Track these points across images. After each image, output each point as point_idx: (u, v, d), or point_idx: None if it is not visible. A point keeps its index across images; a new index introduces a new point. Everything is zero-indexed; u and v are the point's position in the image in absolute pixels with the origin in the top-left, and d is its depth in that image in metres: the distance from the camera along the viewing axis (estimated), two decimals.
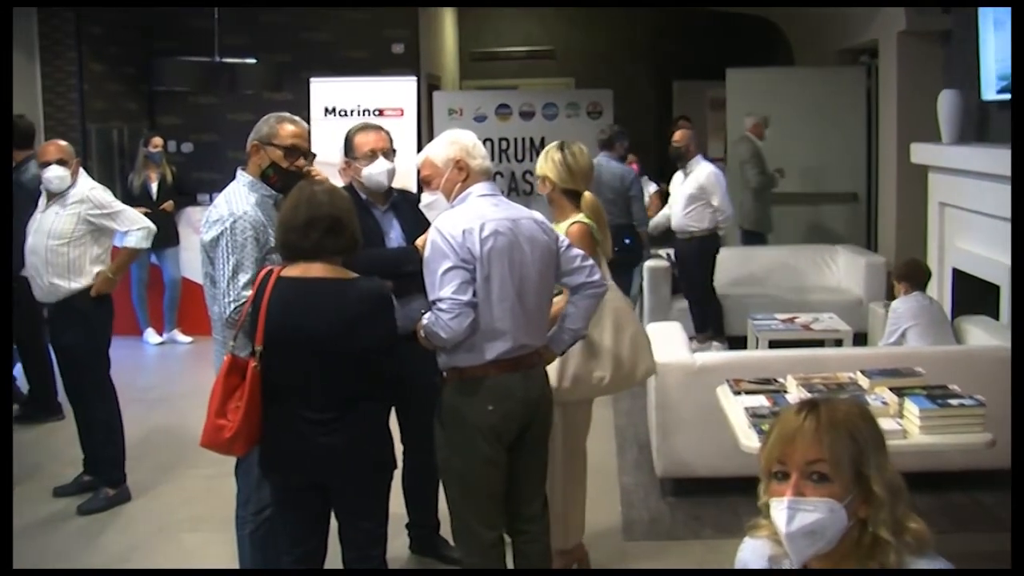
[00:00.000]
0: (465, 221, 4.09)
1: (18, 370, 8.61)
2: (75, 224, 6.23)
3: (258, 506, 4.51)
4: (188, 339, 10.75)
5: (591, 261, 4.38)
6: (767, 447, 2.37)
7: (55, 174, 6.25)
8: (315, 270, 3.90)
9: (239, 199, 4.44)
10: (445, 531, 5.18)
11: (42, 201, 6.40)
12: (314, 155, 4.75)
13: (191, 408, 8.05)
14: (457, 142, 4.33)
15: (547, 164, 4.99)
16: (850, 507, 2.28)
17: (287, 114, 4.69)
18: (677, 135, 9.57)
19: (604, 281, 4.45)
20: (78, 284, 6.25)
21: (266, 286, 3.92)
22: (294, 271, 3.92)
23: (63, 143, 6.46)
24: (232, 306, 4.23)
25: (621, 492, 6.39)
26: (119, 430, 6.52)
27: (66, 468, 6.82)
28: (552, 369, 4.71)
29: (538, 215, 4.32)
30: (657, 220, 9.80)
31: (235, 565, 4.87)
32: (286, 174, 4.55)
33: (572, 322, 4.37)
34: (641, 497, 6.30)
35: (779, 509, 2.29)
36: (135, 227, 6.40)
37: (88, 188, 6.37)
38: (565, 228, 4.81)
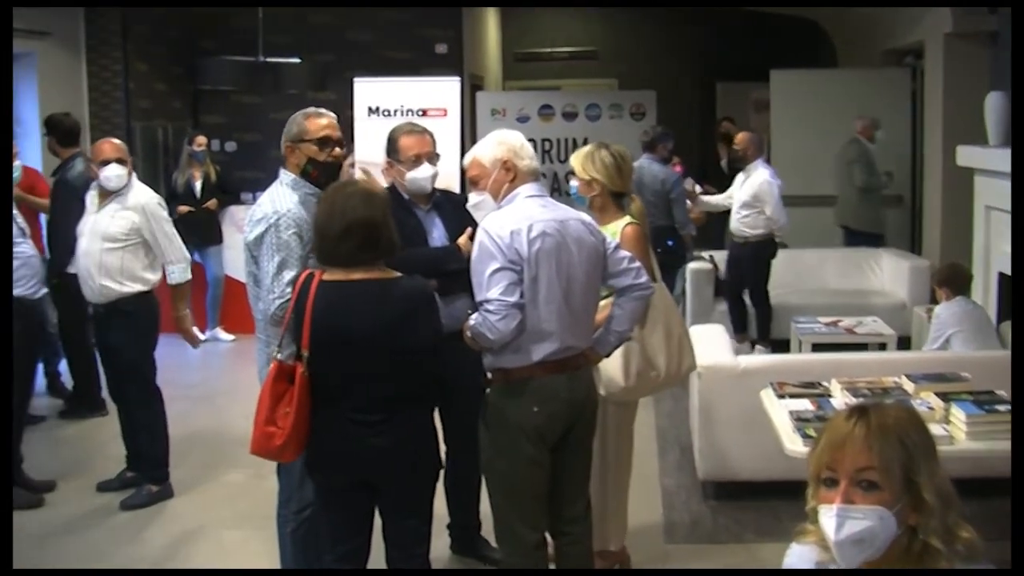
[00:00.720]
0: (513, 222, 4.08)
1: (63, 366, 8.70)
2: (129, 229, 6.28)
3: (300, 505, 4.52)
4: (230, 337, 10.82)
5: (638, 263, 4.35)
6: (816, 452, 2.35)
7: (114, 172, 6.29)
8: (357, 273, 3.90)
9: (282, 198, 4.45)
10: (486, 531, 5.19)
11: (92, 201, 6.45)
12: (348, 145, 4.73)
13: (233, 406, 8.17)
14: (504, 143, 4.32)
15: (596, 166, 4.92)
16: (900, 515, 2.25)
17: (311, 108, 4.69)
18: (738, 138, 9.55)
19: (650, 283, 4.42)
20: (130, 288, 6.30)
21: (308, 289, 3.91)
22: (336, 274, 3.91)
23: (118, 142, 6.51)
24: (277, 303, 4.24)
25: (663, 494, 6.37)
26: (163, 430, 6.57)
27: (110, 464, 6.87)
28: (616, 368, 4.72)
29: (585, 216, 4.31)
30: (719, 199, 9.74)
31: (276, 563, 4.88)
32: (325, 166, 4.58)
33: (618, 324, 4.35)
34: (683, 500, 6.28)
35: (828, 516, 2.27)
36: (176, 262, 6.45)
37: (147, 198, 6.43)
38: (619, 229, 4.78)
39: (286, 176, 4.56)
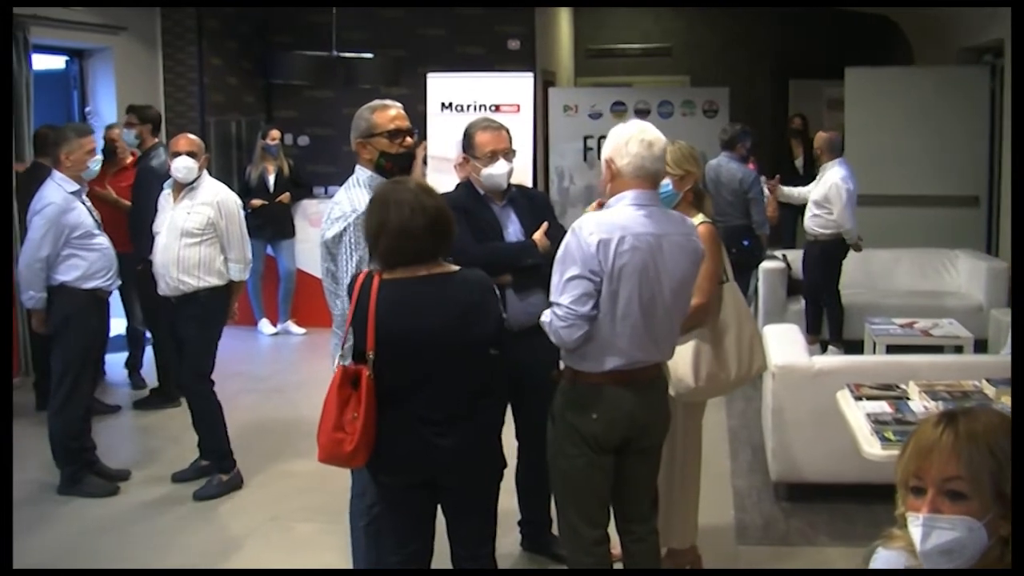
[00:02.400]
0: (604, 231, 3.94)
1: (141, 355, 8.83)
2: (205, 224, 6.38)
3: (373, 499, 4.50)
4: (302, 330, 10.90)
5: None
6: (903, 459, 2.29)
7: (184, 164, 6.40)
8: (421, 269, 3.86)
9: (359, 195, 4.42)
10: (556, 528, 5.18)
11: (167, 197, 6.56)
12: (419, 133, 4.71)
13: (304, 398, 8.22)
14: (615, 140, 4.12)
15: (690, 159, 4.83)
16: (990, 525, 2.17)
17: (377, 101, 4.66)
18: (816, 137, 9.48)
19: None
20: (207, 282, 6.40)
21: (369, 290, 3.84)
22: (397, 273, 3.86)
23: (194, 137, 6.63)
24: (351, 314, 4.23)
25: (734, 495, 6.33)
26: (220, 420, 6.64)
27: (185, 453, 6.94)
28: (687, 369, 4.69)
29: (692, 228, 4.22)
30: (801, 191, 9.65)
31: (347, 557, 4.90)
32: (398, 157, 4.56)
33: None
34: (754, 501, 6.23)
35: (915, 525, 2.21)
36: (237, 261, 6.56)
37: (225, 195, 6.56)
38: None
39: (362, 173, 4.53)
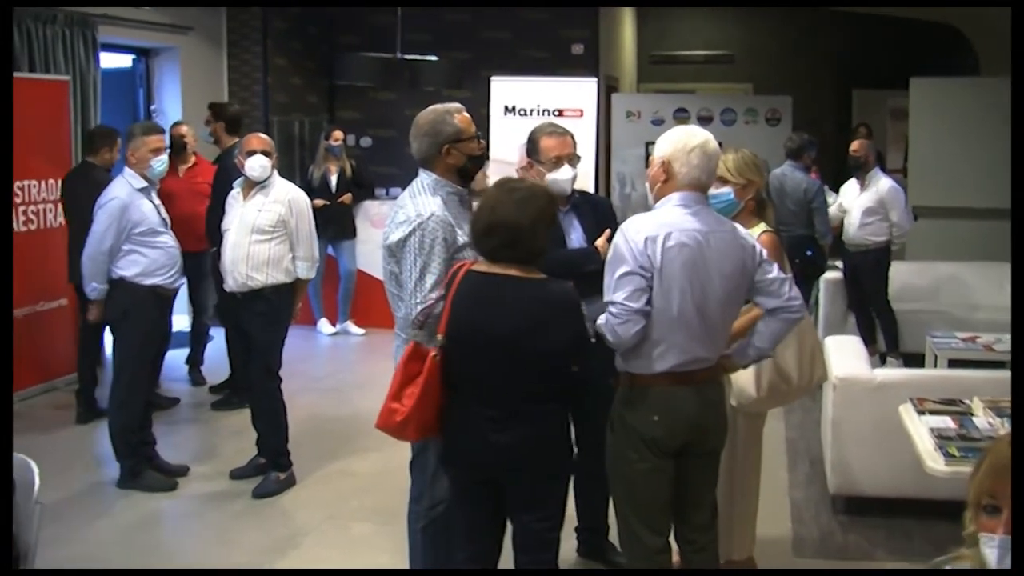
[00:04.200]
0: (651, 228, 3.99)
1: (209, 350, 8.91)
2: (276, 221, 6.44)
3: (431, 502, 4.52)
4: (361, 331, 10.96)
5: (789, 284, 4.20)
6: (977, 477, 2.25)
7: (258, 163, 6.46)
8: (500, 266, 3.91)
9: (425, 199, 4.40)
10: (615, 536, 5.15)
11: (236, 196, 6.62)
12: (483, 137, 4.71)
13: (363, 399, 8.25)
14: (676, 143, 4.12)
15: (752, 168, 4.81)
16: None
17: (452, 104, 4.61)
18: (855, 145, 9.38)
19: (802, 308, 4.27)
20: (274, 279, 6.45)
21: (456, 278, 3.96)
22: (483, 266, 3.95)
23: (265, 136, 6.72)
24: (419, 308, 4.22)
25: (791, 507, 6.27)
26: (282, 418, 6.68)
27: (244, 450, 6.99)
28: (748, 379, 4.66)
29: (741, 229, 4.18)
30: (832, 212, 9.59)
31: (404, 557, 4.89)
32: (480, 159, 4.60)
33: (760, 340, 4.23)
34: (812, 514, 6.18)
35: (989, 546, 2.17)
36: (305, 259, 6.61)
37: (295, 193, 6.63)
38: (754, 237, 4.68)
39: (427, 178, 4.50)
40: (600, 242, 4.93)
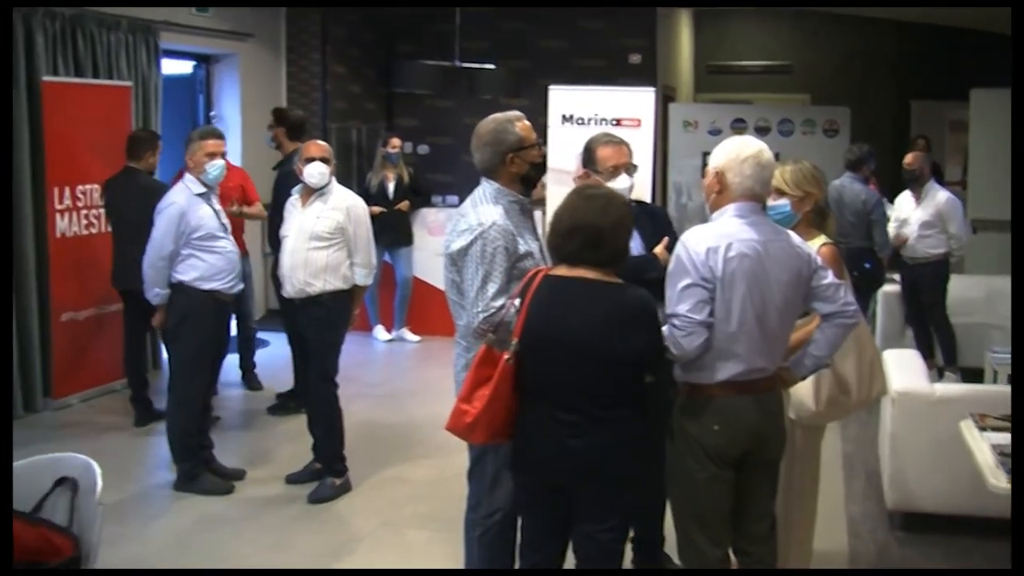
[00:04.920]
0: (712, 239, 4.01)
1: (259, 357, 8.95)
2: (334, 228, 6.46)
3: (489, 510, 4.52)
4: (416, 338, 10.99)
5: (844, 290, 4.20)
6: None
7: (317, 170, 6.49)
8: (581, 271, 3.91)
9: (487, 208, 4.41)
10: (670, 547, 5.13)
11: (294, 202, 6.65)
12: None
13: (418, 406, 8.28)
14: (728, 153, 4.16)
15: (811, 180, 4.77)
16: None
17: (512, 113, 4.62)
18: (910, 157, 9.31)
19: (858, 313, 4.26)
20: (332, 285, 6.47)
21: (532, 282, 3.97)
22: (561, 270, 3.96)
23: (324, 143, 6.72)
24: (481, 316, 4.23)
25: (848, 522, 6.22)
26: (338, 423, 6.70)
27: (301, 455, 7.02)
28: (807, 392, 4.63)
29: (795, 237, 4.17)
30: (891, 226, 9.52)
31: (459, 565, 4.91)
32: (542, 167, 4.62)
33: (817, 348, 4.23)
34: (868, 528, 6.13)
35: None
36: (363, 266, 6.63)
37: (353, 200, 6.66)
38: (814, 249, 4.65)
39: (489, 186, 4.51)
40: (659, 249, 4.93)
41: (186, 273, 6.48)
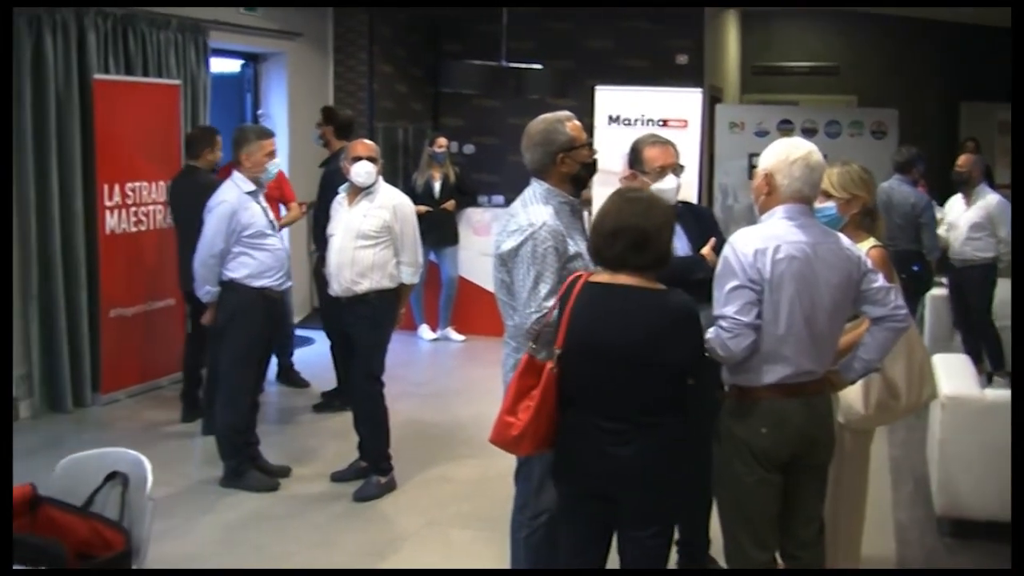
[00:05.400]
0: (760, 241, 3.99)
1: (304, 355, 8.97)
2: (380, 227, 6.48)
3: (535, 511, 4.51)
4: (461, 337, 11.01)
5: (895, 293, 4.17)
6: None
7: (364, 169, 6.52)
8: (622, 278, 3.89)
9: (537, 208, 4.40)
10: (715, 550, 5.11)
11: (341, 201, 6.68)
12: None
13: (463, 405, 8.30)
14: (777, 155, 4.13)
15: (858, 183, 4.74)
16: None
17: (562, 113, 4.60)
18: (961, 160, 9.24)
19: (908, 316, 4.23)
20: (378, 284, 6.49)
21: (573, 289, 3.94)
22: (602, 276, 3.93)
23: (371, 142, 6.75)
24: (534, 316, 4.23)
25: (895, 527, 6.18)
26: (384, 422, 6.72)
27: (345, 453, 7.06)
28: (856, 396, 4.61)
29: (844, 240, 4.14)
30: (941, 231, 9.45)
31: (505, 565, 4.91)
32: (593, 167, 4.59)
33: (866, 352, 4.20)
34: (916, 535, 6.08)
35: None
36: (409, 265, 6.64)
37: (400, 198, 6.68)
38: (863, 252, 4.61)
39: (539, 186, 4.49)
40: (706, 250, 4.91)
41: (237, 271, 6.52)
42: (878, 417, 4.83)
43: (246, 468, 6.71)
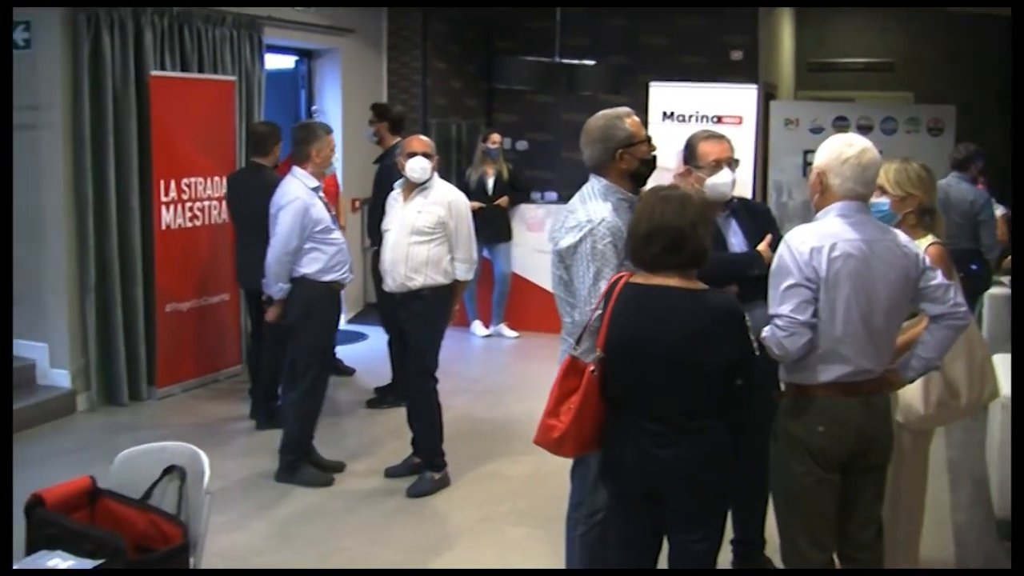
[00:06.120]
0: (815, 239, 3.96)
1: (357, 351, 8.99)
2: (435, 223, 6.48)
3: (591, 509, 4.49)
4: (514, 334, 10.99)
5: (955, 291, 4.11)
6: None
7: (419, 165, 6.53)
8: (661, 278, 3.85)
9: (596, 205, 4.38)
10: (771, 550, 5.08)
11: (396, 197, 6.68)
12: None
13: (516, 402, 8.30)
14: (831, 154, 4.10)
15: (914, 182, 4.69)
16: None
17: (621, 109, 4.57)
18: None
19: (968, 314, 4.17)
20: (432, 280, 6.49)
21: (614, 290, 3.91)
22: (641, 277, 3.90)
23: (427, 138, 6.76)
24: (596, 313, 4.22)
25: (954, 530, 6.10)
26: (437, 418, 6.73)
27: (399, 449, 7.09)
28: (916, 395, 4.56)
29: (902, 237, 4.10)
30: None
31: (559, 562, 4.91)
32: (652, 163, 4.55)
33: (925, 350, 4.14)
34: (975, 537, 6.01)
35: None
36: (463, 261, 6.64)
37: (455, 195, 6.67)
38: (921, 249, 4.56)
39: (597, 182, 4.47)
40: (762, 246, 4.87)
41: (309, 266, 6.57)
42: (938, 417, 4.77)
43: (301, 463, 6.74)
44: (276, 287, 6.62)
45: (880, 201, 4.62)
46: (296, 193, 6.54)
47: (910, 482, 4.90)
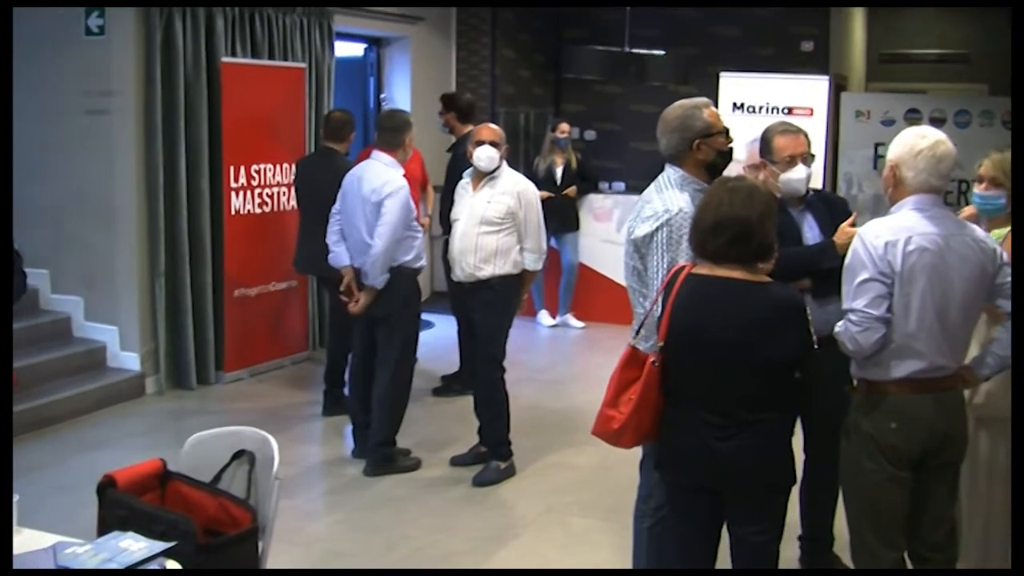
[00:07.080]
0: (890, 233, 3.90)
1: (424, 338, 9.02)
2: (504, 213, 6.45)
3: (659, 501, 4.43)
4: (581, 324, 10.95)
5: None
6: None
7: (486, 154, 6.49)
8: (725, 270, 3.79)
9: (672, 194, 4.32)
10: (840, 547, 5.02)
11: (466, 186, 6.67)
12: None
13: (581, 392, 8.27)
14: (904, 147, 4.03)
15: (1002, 170, 4.62)
16: None
17: (699, 99, 4.51)
18: None
19: None
20: (501, 270, 6.48)
21: (675, 280, 3.86)
22: (704, 268, 3.85)
23: (496, 127, 6.72)
24: (657, 304, 4.19)
25: None
26: (504, 407, 6.70)
27: (465, 437, 7.10)
28: (992, 393, 4.47)
29: (979, 232, 4.03)
30: None
31: (624, 555, 4.89)
32: (729, 155, 4.50)
33: (1000, 348, 4.07)
34: None
35: None
36: (532, 251, 6.60)
37: (524, 184, 6.63)
38: (1000, 240, 4.48)
39: (673, 172, 4.41)
40: (845, 225, 4.75)
41: (407, 254, 6.59)
42: (986, 405, 4.64)
43: (392, 452, 6.77)
44: (382, 277, 6.50)
45: (994, 194, 4.53)
46: (400, 181, 6.51)
47: (991, 479, 4.78)
